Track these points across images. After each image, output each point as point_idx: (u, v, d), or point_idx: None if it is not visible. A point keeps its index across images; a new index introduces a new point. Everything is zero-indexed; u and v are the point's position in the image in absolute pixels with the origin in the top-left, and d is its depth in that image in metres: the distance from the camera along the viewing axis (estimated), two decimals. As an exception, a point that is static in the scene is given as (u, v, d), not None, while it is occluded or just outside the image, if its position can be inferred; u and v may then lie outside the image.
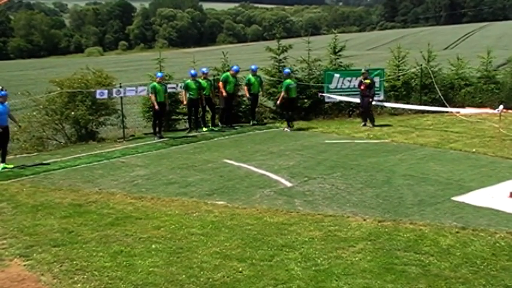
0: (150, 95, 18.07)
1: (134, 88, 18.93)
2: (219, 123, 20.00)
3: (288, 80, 19.15)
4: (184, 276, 7.75)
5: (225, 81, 19.65)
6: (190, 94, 18.93)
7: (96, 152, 16.52)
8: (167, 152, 16.46)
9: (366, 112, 19.72)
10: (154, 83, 18.01)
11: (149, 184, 12.77)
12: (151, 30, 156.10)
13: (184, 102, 19.33)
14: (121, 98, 18.75)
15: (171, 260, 8.31)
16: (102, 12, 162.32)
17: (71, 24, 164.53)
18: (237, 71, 20.04)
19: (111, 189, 12.32)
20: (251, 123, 20.40)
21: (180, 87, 19.26)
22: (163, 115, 18.73)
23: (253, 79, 20.06)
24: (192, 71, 19.26)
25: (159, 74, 18.47)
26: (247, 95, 20.12)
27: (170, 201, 11.32)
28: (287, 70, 19.81)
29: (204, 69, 19.85)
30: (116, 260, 8.33)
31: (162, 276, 7.76)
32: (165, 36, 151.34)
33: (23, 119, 18.29)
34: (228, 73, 19.96)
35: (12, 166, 14.67)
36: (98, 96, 18.13)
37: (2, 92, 14.68)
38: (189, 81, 19.04)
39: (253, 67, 20.50)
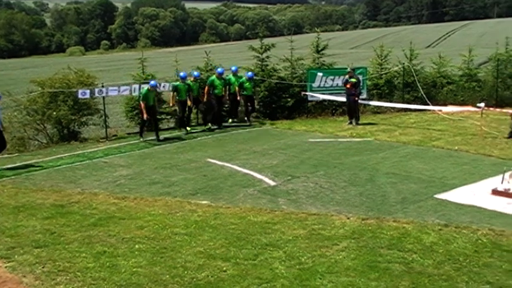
0: (140, 102, 17.68)
1: (116, 88, 18.80)
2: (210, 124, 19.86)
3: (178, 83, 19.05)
4: (168, 276, 7.72)
5: (211, 85, 19.57)
6: (179, 96, 18.81)
7: (78, 152, 16.41)
8: (150, 151, 16.39)
9: (352, 111, 19.76)
10: (146, 88, 17.71)
11: (132, 184, 12.71)
12: (133, 30, 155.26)
13: (171, 104, 19.24)
14: (103, 97, 18.63)
15: (154, 260, 8.27)
16: (84, 12, 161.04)
17: (52, 23, 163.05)
18: (222, 73, 19.90)
19: (94, 190, 12.24)
20: (230, 121, 20.40)
21: (169, 89, 19.18)
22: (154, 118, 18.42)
23: (218, 81, 19.84)
24: (182, 74, 19.13)
25: (153, 83, 17.87)
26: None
27: (153, 201, 11.27)
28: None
29: (195, 73, 19.70)
30: (99, 260, 8.27)
31: (145, 276, 7.72)
32: (148, 36, 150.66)
33: (4, 119, 18.11)
34: (213, 76, 19.85)
35: None
36: (80, 96, 17.99)
37: None
38: (178, 83, 18.91)
39: (233, 68, 20.45)
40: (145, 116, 17.42)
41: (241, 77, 20.31)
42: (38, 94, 18.28)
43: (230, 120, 20.47)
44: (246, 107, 20.55)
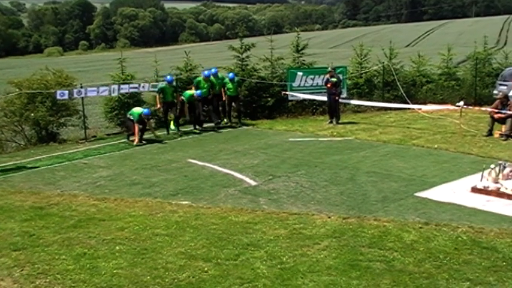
0: (134, 123, 17.34)
1: (95, 88, 18.65)
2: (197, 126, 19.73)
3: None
4: (149, 277, 7.66)
5: (197, 86, 19.50)
6: (165, 97, 18.77)
7: (57, 154, 16.26)
8: (130, 152, 16.29)
9: (333, 110, 19.82)
10: (137, 112, 17.41)
11: (112, 185, 12.61)
12: (112, 30, 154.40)
13: (158, 106, 19.19)
14: (82, 98, 18.48)
15: (135, 261, 8.21)
16: (62, 12, 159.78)
17: (29, 24, 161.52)
18: (208, 76, 19.74)
19: (74, 191, 12.13)
20: (225, 121, 20.36)
21: (149, 89, 19.24)
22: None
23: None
24: (168, 77, 19.02)
25: (146, 111, 17.50)
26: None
27: (134, 202, 11.19)
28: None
29: (197, 92, 19.54)
30: (79, 262, 8.19)
31: (126, 278, 7.65)
32: (127, 36, 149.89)
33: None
34: (200, 78, 19.79)
35: None
36: (58, 97, 17.82)
37: None
38: (164, 85, 18.84)
39: (213, 70, 20.31)
40: (136, 139, 17.19)
41: (223, 78, 20.23)
42: (16, 95, 18.07)
43: (225, 120, 20.44)
44: (229, 107, 20.54)
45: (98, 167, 14.50)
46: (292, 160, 14.46)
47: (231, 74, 20.31)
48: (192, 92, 19.06)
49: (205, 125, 19.73)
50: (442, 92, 23.27)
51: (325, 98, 20.27)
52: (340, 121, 19.70)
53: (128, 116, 17.52)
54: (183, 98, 19.02)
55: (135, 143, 17.10)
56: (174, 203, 11.04)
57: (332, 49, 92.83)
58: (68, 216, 10.36)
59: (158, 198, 11.45)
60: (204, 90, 19.47)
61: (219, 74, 20.33)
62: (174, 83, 19.22)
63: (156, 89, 19.01)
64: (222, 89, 19.98)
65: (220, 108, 20.42)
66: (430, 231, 9.09)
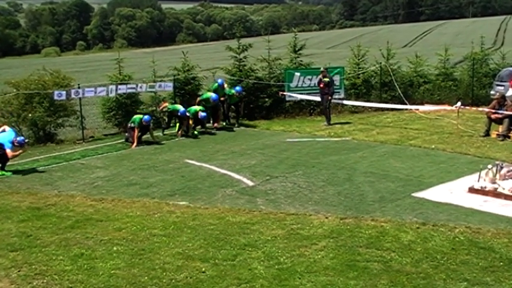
0: (135, 128, 17.31)
1: (93, 89, 18.66)
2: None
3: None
4: (146, 277, 7.66)
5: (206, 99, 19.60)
6: (171, 109, 19.05)
7: (54, 154, 16.25)
8: (128, 152, 16.28)
9: (324, 110, 19.89)
10: (138, 117, 17.39)
11: (110, 186, 12.61)
12: (109, 30, 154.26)
13: (160, 107, 19.44)
14: (79, 99, 18.48)
15: (133, 261, 8.21)
16: (59, 12, 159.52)
17: (27, 24, 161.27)
18: (217, 99, 19.57)
19: (71, 192, 12.13)
20: (224, 123, 20.40)
21: (146, 89, 19.58)
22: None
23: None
24: (182, 110, 18.65)
25: (146, 118, 17.52)
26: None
27: (131, 202, 11.18)
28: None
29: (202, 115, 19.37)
30: (76, 263, 8.18)
31: (124, 278, 7.65)
32: (124, 36, 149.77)
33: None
34: (208, 95, 19.70)
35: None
36: (56, 98, 17.81)
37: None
38: (175, 106, 18.93)
39: (219, 81, 20.38)
40: (134, 144, 17.09)
41: (228, 90, 20.29)
42: (13, 96, 18.05)
43: (224, 123, 20.43)
44: (228, 109, 20.60)
45: (95, 167, 14.49)
46: (290, 160, 14.47)
47: (238, 88, 20.31)
48: (197, 108, 18.88)
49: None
50: (439, 93, 23.31)
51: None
52: (337, 121, 19.74)
53: (129, 124, 17.45)
54: (188, 114, 18.89)
55: (132, 147, 17.05)
56: (172, 203, 11.04)
57: (329, 49, 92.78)
58: (65, 217, 10.36)
59: (155, 198, 11.45)
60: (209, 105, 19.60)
61: (226, 88, 20.38)
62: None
63: (168, 105, 19.38)
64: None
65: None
66: (428, 232, 9.09)
